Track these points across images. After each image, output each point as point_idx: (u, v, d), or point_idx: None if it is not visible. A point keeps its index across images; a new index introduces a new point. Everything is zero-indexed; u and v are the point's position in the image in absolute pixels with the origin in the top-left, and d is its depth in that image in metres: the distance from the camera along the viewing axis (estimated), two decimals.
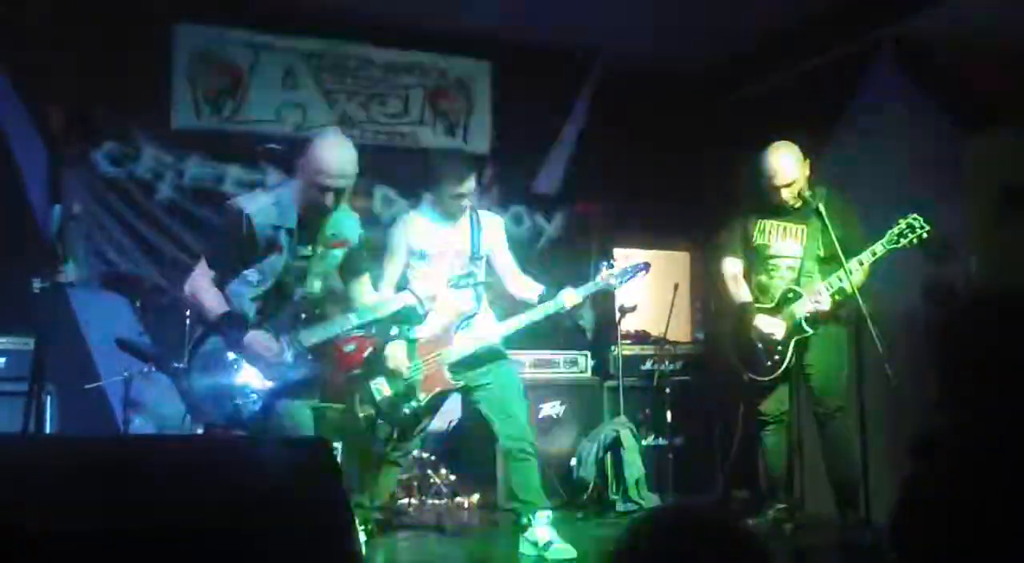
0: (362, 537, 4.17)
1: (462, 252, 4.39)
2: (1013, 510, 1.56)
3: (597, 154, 6.72)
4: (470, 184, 4.34)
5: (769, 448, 4.81)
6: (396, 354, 4.27)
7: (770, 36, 6.05)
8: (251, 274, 3.68)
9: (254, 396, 3.61)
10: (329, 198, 3.62)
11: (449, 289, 4.12)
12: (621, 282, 4.33)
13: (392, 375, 4.27)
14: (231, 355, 3.61)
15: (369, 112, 6.42)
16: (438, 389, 4.28)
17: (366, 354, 5.14)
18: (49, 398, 4.79)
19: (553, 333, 5.94)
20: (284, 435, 3.63)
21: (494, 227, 4.54)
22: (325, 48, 6.30)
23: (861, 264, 4.35)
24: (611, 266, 4.33)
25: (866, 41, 5.58)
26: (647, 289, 6.33)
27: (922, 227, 4.24)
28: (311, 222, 3.73)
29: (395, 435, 4.43)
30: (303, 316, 3.73)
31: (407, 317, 4.00)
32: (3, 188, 5.39)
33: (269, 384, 3.62)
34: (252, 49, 6.14)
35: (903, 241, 4.27)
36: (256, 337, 3.60)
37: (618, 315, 5.93)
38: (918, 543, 1.70)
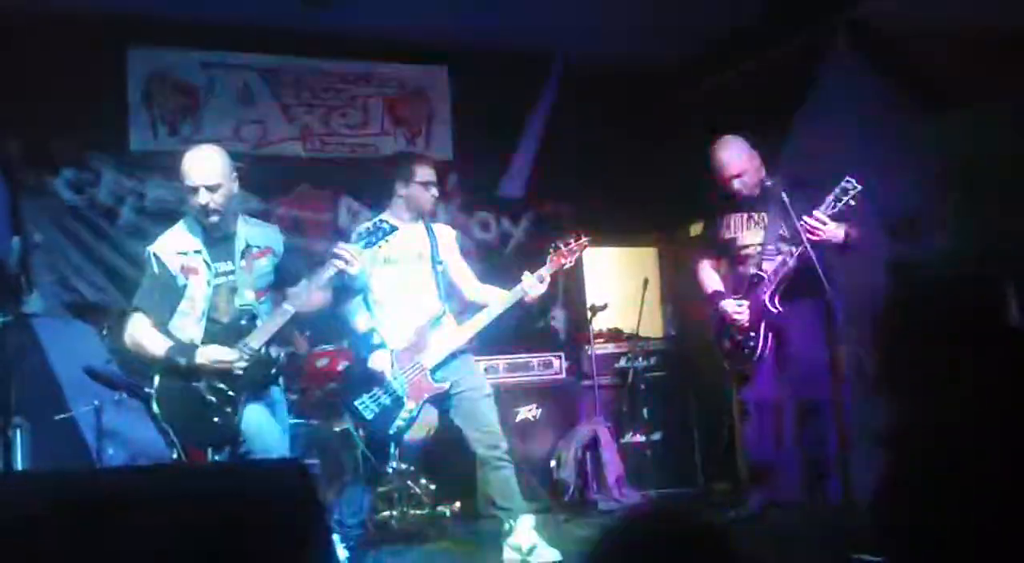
0: (345, 554, 4.14)
1: (424, 257, 4.41)
2: (984, 490, 1.59)
3: (561, 155, 6.72)
4: (433, 173, 4.45)
5: (751, 438, 4.83)
6: (381, 365, 4.25)
7: (729, 28, 6.07)
8: (184, 305, 3.80)
9: (228, 409, 3.67)
10: (198, 199, 3.74)
11: (414, 301, 4.19)
12: (570, 260, 4.43)
13: (377, 388, 4.23)
14: (194, 383, 3.67)
15: (329, 125, 6.40)
16: (426, 395, 4.26)
17: (341, 367, 5.14)
18: (19, 432, 4.71)
19: (526, 336, 5.95)
20: (254, 448, 3.69)
21: (448, 237, 4.61)
22: (281, 63, 6.27)
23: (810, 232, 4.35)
24: (557, 248, 4.42)
25: (823, 27, 5.62)
26: (617, 286, 6.36)
27: (854, 187, 4.29)
28: (219, 237, 3.85)
29: (378, 449, 4.41)
30: (243, 323, 3.77)
31: (348, 294, 4.19)
32: None
33: (230, 395, 3.68)
34: (207, 68, 6.10)
35: (839, 204, 4.31)
36: (208, 351, 3.68)
37: (589, 314, 5.94)
38: (898, 525, 1.72)
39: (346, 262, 3.80)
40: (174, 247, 3.85)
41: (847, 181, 4.34)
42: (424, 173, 4.43)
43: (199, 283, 3.80)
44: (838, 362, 4.55)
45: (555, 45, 6.53)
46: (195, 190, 3.76)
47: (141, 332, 3.80)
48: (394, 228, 4.09)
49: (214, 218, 3.79)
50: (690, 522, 1.38)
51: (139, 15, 5.67)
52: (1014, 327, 1.75)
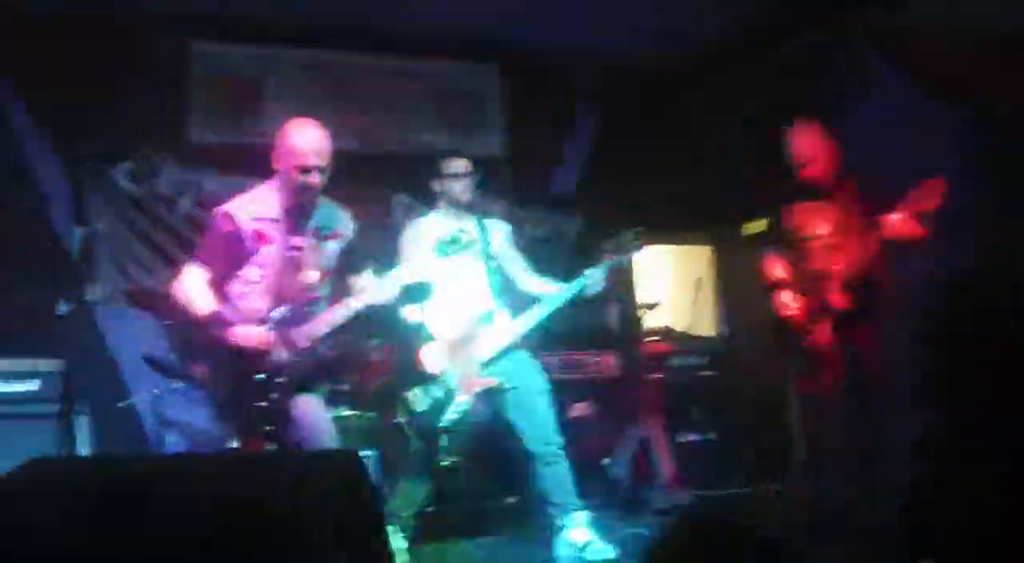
0: (403, 544, 4.18)
1: (475, 252, 4.42)
2: (1006, 497, 1.58)
3: (614, 151, 6.70)
4: (464, 164, 4.41)
5: (812, 431, 4.76)
6: (431, 357, 4.25)
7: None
8: (250, 272, 3.69)
9: (275, 396, 3.59)
10: (312, 179, 3.65)
11: (466, 296, 4.22)
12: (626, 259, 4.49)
13: (429, 381, 4.24)
14: (244, 362, 3.60)
15: (381, 121, 6.42)
16: (477, 389, 4.26)
17: (394, 360, 5.16)
18: (81, 418, 4.81)
19: (579, 333, 5.94)
20: (305, 437, 3.63)
21: (500, 231, 4.60)
22: (336, 59, 6.31)
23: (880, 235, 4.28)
24: (613, 246, 4.47)
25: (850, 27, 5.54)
26: (670, 285, 6.31)
27: (934, 188, 4.15)
28: (297, 212, 3.75)
29: (430, 442, 4.43)
30: (306, 309, 3.71)
31: (414, 294, 4.01)
32: (30, 215, 5.45)
33: (282, 382, 3.62)
34: (265, 63, 6.17)
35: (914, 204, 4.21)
36: (239, 331, 3.59)
37: (642, 312, 5.91)
38: (936, 527, 1.72)
39: (417, 270, 3.83)
40: (252, 211, 3.71)
41: (927, 181, 4.24)
42: (454, 165, 4.41)
43: (271, 253, 3.70)
44: (894, 363, 4.46)
45: (602, 43, 6.49)
46: (307, 170, 3.65)
47: (193, 286, 3.68)
48: (472, 241, 4.13)
49: (314, 198, 3.74)
50: (745, 528, 1.37)
51: (202, 10, 5.75)
52: None
